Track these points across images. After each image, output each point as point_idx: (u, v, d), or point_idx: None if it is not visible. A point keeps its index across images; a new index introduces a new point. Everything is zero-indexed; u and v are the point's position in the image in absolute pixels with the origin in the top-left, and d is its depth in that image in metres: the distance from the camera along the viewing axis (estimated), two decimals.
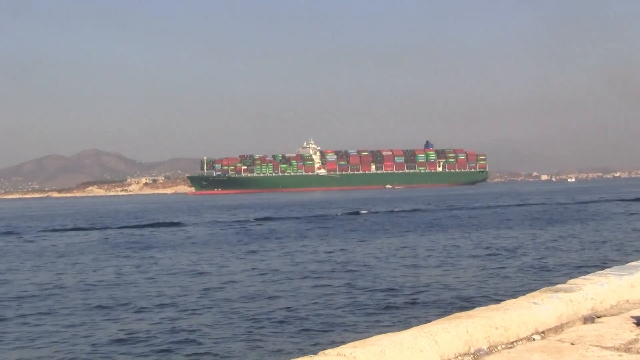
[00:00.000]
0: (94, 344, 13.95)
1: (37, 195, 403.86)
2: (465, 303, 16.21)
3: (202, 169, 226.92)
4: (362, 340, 4.50)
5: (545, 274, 21.20)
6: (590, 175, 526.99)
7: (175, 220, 60.70)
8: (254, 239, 38.48)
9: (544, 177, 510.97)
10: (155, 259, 29.45)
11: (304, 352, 11.40)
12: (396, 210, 68.18)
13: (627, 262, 8.00)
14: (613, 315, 6.06)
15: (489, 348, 5.00)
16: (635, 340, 5.22)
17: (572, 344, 5.20)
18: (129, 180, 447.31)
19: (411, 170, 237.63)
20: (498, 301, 6.07)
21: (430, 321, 5.11)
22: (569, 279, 6.63)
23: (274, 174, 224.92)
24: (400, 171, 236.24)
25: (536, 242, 31.73)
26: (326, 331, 14.35)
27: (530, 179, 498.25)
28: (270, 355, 12.75)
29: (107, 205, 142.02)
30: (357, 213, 64.35)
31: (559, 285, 6.30)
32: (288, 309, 16.79)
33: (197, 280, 22.53)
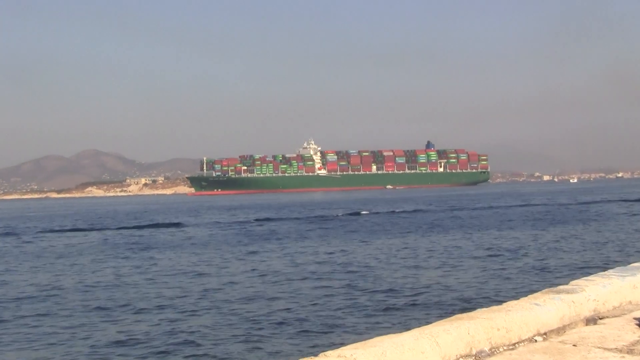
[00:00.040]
0: (92, 346, 13.91)
1: (35, 195, 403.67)
2: (466, 304, 16.17)
3: (202, 169, 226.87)
4: (362, 342, 4.49)
5: (547, 275, 21.15)
6: (593, 175, 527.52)
7: (175, 221, 60.71)
8: (254, 240, 38.45)
9: (546, 178, 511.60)
10: (154, 260, 29.41)
11: (304, 354, 11.35)
12: (397, 211, 68.17)
13: (630, 263, 7.96)
14: (615, 316, 6.02)
15: (490, 349, 4.96)
16: (637, 342, 5.19)
17: (574, 345, 5.17)
18: (128, 180, 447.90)
19: (412, 171, 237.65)
20: (500, 302, 6.02)
21: (431, 322, 5.08)
22: (571, 280, 6.60)
23: (274, 175, 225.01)
24: (401, 172, 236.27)
25: (538, 242, 31.69)
26: (326, 333, 14.30)
27: (532, 180, 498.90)
28: (270, 357, 12.70)
29: (106, 205, 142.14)
30: (358, 214, 64.35)
31: (561, 287, 6.26)
32: (288, 310, 16.75)
33: (197, 281, 22.49)
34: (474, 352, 4.83)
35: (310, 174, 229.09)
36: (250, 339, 13.94)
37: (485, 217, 54.26)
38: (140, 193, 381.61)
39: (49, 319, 16.83)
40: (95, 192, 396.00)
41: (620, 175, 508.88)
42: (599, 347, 5.07)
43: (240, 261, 28.16)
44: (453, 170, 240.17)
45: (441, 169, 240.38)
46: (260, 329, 14.79)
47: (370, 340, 4.50)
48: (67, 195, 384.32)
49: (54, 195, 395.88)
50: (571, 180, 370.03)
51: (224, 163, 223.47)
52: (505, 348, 5.08)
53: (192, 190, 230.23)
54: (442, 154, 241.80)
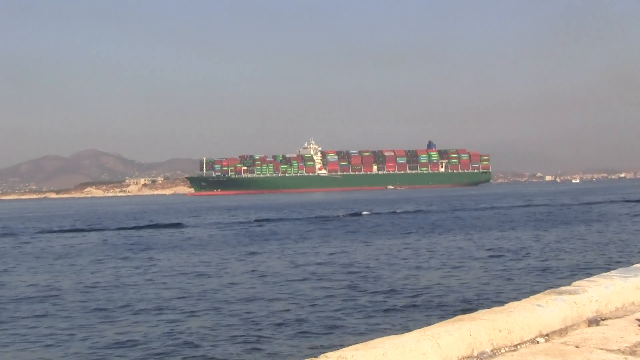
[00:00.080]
0: (91, 347, 13.86)
1: (34, 196, 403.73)
2: (468, 305, 16.12)
3: (202, 169, 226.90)
4: (363, 343, 4.49)
5: (549, 276, 21.11)
6: (595, 176, 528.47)
7: (175, 222, 60.69)
8: (254, 241, 38.42)
9: (548, 178, 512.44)
10: (154, 261, 29.38)
11: (304, 355, 11.32)
12: (398, 211, 68.17)
13: (633, 264, 7.93)
14: (618, 317, 6.00)
15: (492, 351, 4.94)
16: None
17: (576, 346, 5.14)
18: (127, 181, 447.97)
19: (413, 171, 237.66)
20: (501, 303, 5.97)
21: (432, 324, 5.05)
22: (573, 281, 6.57)
23: (274, 175, 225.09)
24: (402, 172, 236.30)
25: (540, 243, 31.65)
26: (327, 334, 14.25)
27: (534, 180, 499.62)
28: (270, 358, 12.65)
29: (106, 206, 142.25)
30: (359, 214, 64.35)
31: (563, 288, 6.24)
32: (288, 311, 16.71)
33: (196, 282, 22.45)
34: (475, 354, 4.81)
35: (311, 174, 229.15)
36: (249, 340, 13.90)
37: (487, 217, 54.24)
38: (139, 193, 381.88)
39: (47, 320, 16.78)
40: (95, 192, 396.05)
41: (622, 175, 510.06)
42: (601, 349, 5.05)
43: (240, 262, 28.12)
44: (454, 171, 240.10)
45: (442, 169, 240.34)
46: (260, 330, 14.75)
47: (371, 342, 4.51)
48: (66, 195, 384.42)
49: (53, 195, 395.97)
50: (573, 181, 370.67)
51: (224, 163, 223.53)
52: (507, 349, 5.06)
53: (192, 190, 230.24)
54: (443, 154, 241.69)
